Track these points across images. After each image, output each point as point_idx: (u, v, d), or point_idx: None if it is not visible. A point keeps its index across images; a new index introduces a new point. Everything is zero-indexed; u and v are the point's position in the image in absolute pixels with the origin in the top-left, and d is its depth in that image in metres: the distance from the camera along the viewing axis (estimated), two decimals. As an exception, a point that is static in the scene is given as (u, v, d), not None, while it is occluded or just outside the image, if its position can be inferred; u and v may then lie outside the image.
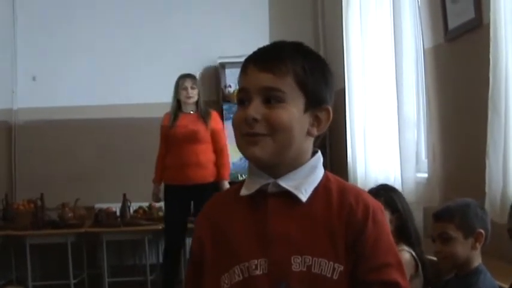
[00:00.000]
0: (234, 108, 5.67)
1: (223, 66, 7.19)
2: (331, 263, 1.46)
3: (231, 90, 6.92)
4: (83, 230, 6.54)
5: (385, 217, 1.52)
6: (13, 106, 7.23)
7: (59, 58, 7.22)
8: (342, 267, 1.46)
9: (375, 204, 1.53)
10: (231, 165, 6.02)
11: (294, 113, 1.49)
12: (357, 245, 1.47)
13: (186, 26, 7.30)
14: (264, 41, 6.62)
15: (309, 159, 1.55)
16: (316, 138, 1.56)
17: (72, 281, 6.40)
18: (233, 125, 1.54)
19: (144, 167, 6.94)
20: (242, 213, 1.56)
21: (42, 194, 6.56)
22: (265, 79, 1.49)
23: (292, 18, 7.35)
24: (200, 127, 5.72)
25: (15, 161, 7.22)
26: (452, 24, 3.89)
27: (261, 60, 1.52)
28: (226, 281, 1.52)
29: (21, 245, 6.43)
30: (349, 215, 1.49)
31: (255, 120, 1.48)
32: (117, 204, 6.70)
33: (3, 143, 7.22)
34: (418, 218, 3.85)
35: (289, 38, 1.62)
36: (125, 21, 7.30)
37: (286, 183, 1.52)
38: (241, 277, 1.50)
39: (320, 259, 1.46)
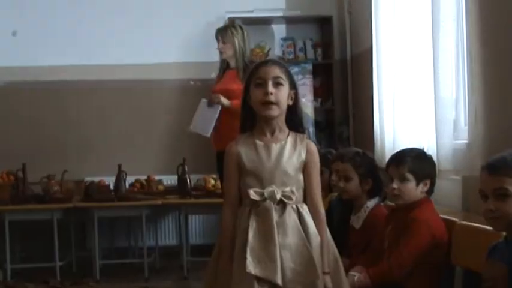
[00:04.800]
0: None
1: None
2: None
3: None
4: (71, 204, 6.23)
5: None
6: (-10, 66, 6.93)
7: (43, 10, 6.86)
8: None
9: None
10: None
11: None
12: None
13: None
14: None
15: None
16: None
17: (58, 264, 6.11)
18: None
19: (142, 135, 7.00)
20: None
21: (24, 165, 6.22)
22: None
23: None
24: (234, 85, 5.24)
25: (-7, 128, 7.04)
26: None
27: None
28: None
29: (-1, 222, 6.23)
30: None
31: None
32: (111, 178, 6.41)
33: (-20, 107, 7.04)
34: (457, 188, 3.94)
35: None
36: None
37: None
38: None
39: None
